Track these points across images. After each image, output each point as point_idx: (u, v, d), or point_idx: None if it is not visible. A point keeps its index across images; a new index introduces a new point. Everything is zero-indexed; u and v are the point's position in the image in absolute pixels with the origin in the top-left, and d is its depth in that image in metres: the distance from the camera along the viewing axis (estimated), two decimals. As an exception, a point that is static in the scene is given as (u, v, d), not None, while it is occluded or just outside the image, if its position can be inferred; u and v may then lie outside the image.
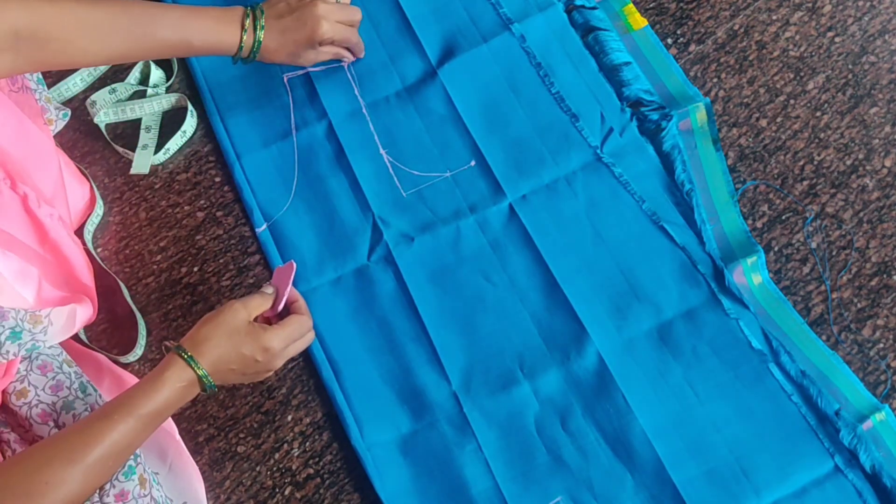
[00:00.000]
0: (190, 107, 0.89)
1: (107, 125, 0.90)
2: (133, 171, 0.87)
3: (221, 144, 0.88)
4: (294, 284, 0.72)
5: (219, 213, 0.87)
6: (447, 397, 0.76)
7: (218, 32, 0.75)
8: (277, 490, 0.76)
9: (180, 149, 0.89)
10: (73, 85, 0.92)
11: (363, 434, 0.76)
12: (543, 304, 0.78)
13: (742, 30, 0.89)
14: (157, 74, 0.91)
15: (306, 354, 0.79)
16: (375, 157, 0.85)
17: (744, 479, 0.71)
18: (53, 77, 0.93)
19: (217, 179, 0.88)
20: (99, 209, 0.86)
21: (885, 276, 0.79)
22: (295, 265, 0.70)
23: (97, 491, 0.64)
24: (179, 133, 0.88)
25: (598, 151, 0.83)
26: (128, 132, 0.90)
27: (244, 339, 0.66)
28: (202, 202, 0.87)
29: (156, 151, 0.88)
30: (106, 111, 0.89)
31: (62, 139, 0.90)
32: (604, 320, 0.77)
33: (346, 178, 0.85)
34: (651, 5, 0.91)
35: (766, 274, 0.79)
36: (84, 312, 0.74)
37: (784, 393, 0.73)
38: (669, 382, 0.75)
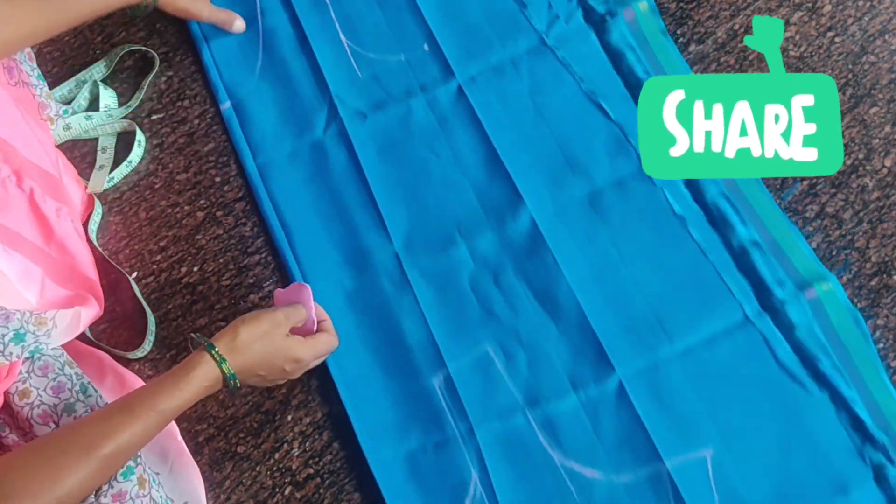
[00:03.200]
0: (138, 135, 0.88)
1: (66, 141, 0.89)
2: (89, 190, 0.86)
3: (191, 29, 0.94)
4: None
5: (219, 213, 0.87)
6: (389, 257, 0.82)
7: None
8: (277, 490, 0.76)
9: (126, 177, 0.88)
10: (69, 91, 0.92)
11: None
12: (484, 175, 0.84)
13: (742, 30, 0.89)
14: (106, 94, 0.90)
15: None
16: (335, 42, 0.92)
17: (659, 329, 0.77)
18: (53, 78, 0.93)
19: (217, 179, 0.88)
20: (99, 208, 0.86)
21: (885, 276, 0.79)
22: (309, 287, 0.72)
23: (94, 492, 0.64)
24: (125, 163, 0.88)
25: (544, 36, 0.89)
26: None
27: (280, 350, 0.68)
28: (202, 202, 0.87)
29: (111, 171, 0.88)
30: (65, 123, 0.88)
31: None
32: (539, 189, 0.83)
33: (308, 61, 0.91)
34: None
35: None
36: (89, 313, 0.74)
37: (701, 252, 0.79)
38: (596, 244, 0.81)
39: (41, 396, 0.69)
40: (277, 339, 0.68)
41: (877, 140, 0.84)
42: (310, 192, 0.86)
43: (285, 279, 0.83)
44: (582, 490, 0.73)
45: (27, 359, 0.71)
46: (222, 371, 0.65)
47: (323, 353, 0.71)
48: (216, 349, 0.65)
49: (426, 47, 0.90)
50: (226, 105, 0.90)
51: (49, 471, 0.57)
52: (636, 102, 0.85)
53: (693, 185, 0.82)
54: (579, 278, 0.79)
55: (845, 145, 0.84)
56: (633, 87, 0.86)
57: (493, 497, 0.73)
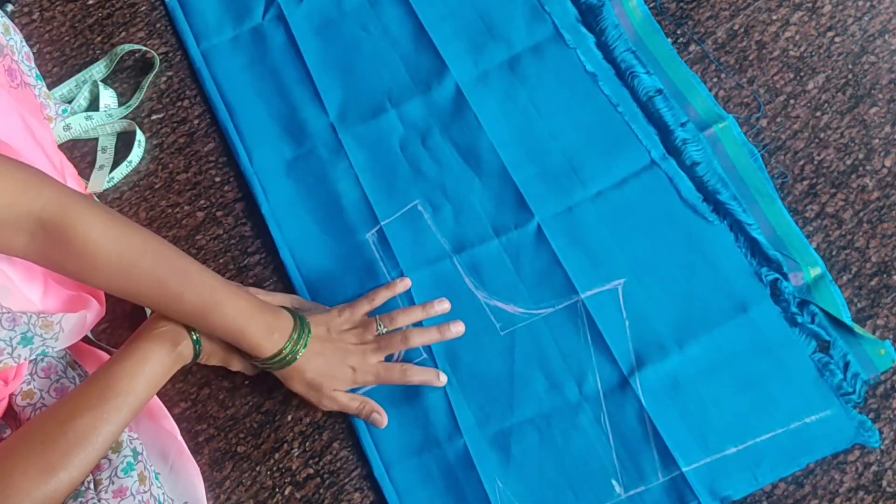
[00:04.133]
0: (138, 135, 0.89)
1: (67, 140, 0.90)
2: (89, 190, 0.86)
3: None
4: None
5: (219, 213, 0.87)
6: (325, 127, 0.88)
7: (248, 327, 0.68)
8: (277, 490, 0.76)
9: (126, 177, 0.89)
10: (69, 91, 0.92)
11: (252, 161, 0.88)
12: (412, 47, 0.91)
13: (742, 30, 0.89)
14: (106, 94, 0.90)
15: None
16: None
17: (573, 175, 0.84)
18: (53, 78, 0.93)
19: (217, 179, 0.88)
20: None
21: (885, 276, 0.79)
22: None
23: (94, 488, 0.64)
24: (125, 163, 0.88)
25: None
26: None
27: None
28: (202, 202, 0.87)
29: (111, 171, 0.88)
30: (64, 124, 0.88)
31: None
32: (463, 57, 0.90)
33: None
34: (651, 5, 0.91)
35: (646, 8, 0.90)
36: (94, 315, 0.74)
37: (611, 105, 0.86)
38: (515, 103, 0.87)
39: (44, 398, 0.69)
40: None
41: (877, 140, 0.84)
42: (251, 73, 0.92)
43: (284, 279, 0.84)
44: (505, 325, 0.79)
45: (31, 361, 0.70)
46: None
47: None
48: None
49: None
50: None
51: (42, 464, 0.58)
52: None
53: (603, 45, 0.89)
54: (500, 135, 0.86)
55: (845, 145, 0.84)
56: None
57: None
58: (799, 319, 0.76)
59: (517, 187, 0.83)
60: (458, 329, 0.76)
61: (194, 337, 0.69)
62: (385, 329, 0.75)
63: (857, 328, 0.76)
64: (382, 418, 0.75)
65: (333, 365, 0.73)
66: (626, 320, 0.78)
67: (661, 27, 0.89)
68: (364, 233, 0.84)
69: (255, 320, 0.68)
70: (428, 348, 0.79)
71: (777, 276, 0.78)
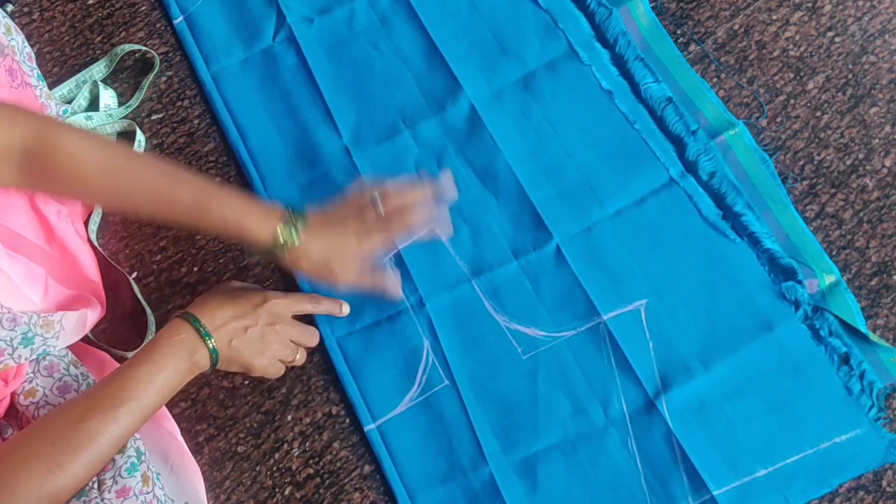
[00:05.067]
0: (138, 135, 0.89)
1: None
2: None
3: None
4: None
5: (219, 213, 0.87)
6: (339, 149, 0.87)
7: (247, 218, 0.68)
8: (277, 490, 0.76)
9: None
10: (69, 91, 0.92)
11: (266, 185, 0.86)
12: (424, 66, 0.90)
13: (742, 30, 0.89)
14: (106, 94, 0.90)
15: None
16: None
17: (591, 194, 0.83)
18: (53, 78, 0.93)
19: (217, 179, 0.88)
20: (98, 208, 0.86)
21: (885, 276, 0.79)
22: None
23: (98, 487, 0.64)
24: None
25: None
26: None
27: (251, 288, 0.74)
28: (202, 202, 0.87)
29: None
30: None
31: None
32: (476, 75, 0.89)
33: None
34: (651, 5, 0.91)
35: (653, 14, 0.90)
36: (94, 314, 0.74)
37: (627, 122, 0.85)
38: (530, 121, 0.86)
39: (47, 396, 0.69)
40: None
41: (877, 140, 0.84)
42: (262, 95, 0.90)
43: (284, 278, 0.83)
44: (527, 348, 0.78)
45: (33, 360, 0.70)
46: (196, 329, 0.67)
47: (298, 306, 0.75)
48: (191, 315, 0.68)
49: None
50: (178, 20, 0.95)
51: (45, 463, 0.58)
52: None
53: (617, 59, 0.88)
54: (516, 154, 0.85)
55: (845, 145, 0.84)
56: None
57: (444, 362, 0.78)
58: (822, 333, 0.75)
59: (535, 208, 0.82)
60: (452, 192, 0.78)
61: (210, 346, 0.68)
62: (383, 209, 0.73)
63: (872, 336, 0.75)
64: (397, 292, 0.78)
65: (336, 240, 0.72)
66: (650, 341, 0.77)
67: (667, 32, 0.89)
68: (381, 258, 0.82)
69: (252, 210, 0.68)
70: (449, 373, 0.78)
71: (797, 287, 0.76)
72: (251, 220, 0.67)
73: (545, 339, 0.78)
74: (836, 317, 0.76)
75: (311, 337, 0.77)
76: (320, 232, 0.71)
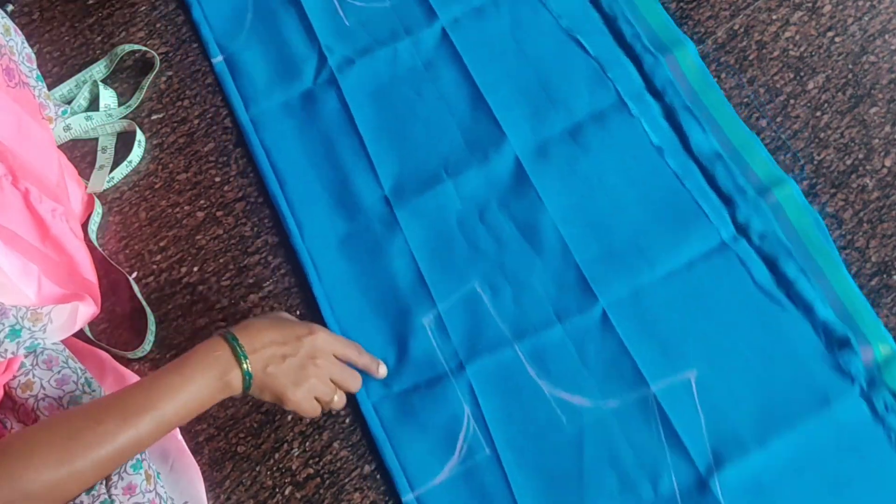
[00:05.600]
0: (139, 135, 0.88)
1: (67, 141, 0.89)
2: (89, 190, 0.86)
3: None
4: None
5: (219, 213, 0.87)
6: (379, 200, 0.84)
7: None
8: (277, 490, 0.76)
9: (126, 177, 0.88)
10: (69, 91, 0.92)
11: (303, 236, 0.83)
12: (468, 114, 0.86)
13: (742, 30, 0.89)
14: (106, 94, 0.90)
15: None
16: None
17: (639, 255, 0.79)
18: (53, 78, 0.93)
19: (217, 179, 0.88)
20: (98, 208, 0.86)
21: (885, 276, 0.79)
22: None
23: (105, 483, 0.63)
24: (125, 163, 0.87)
25: None
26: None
27: (292, 322, 0.70)
28: (202, 202, 0.87)
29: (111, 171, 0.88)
30: (65, 124, 0.88)
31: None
32: (521, 124, 0.85)
33: (296, 12, 0.93)
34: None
35: (701, 62, 0.87)
36: (86, 310, 0.74)
37: (678, 180, 0.81)
38: (577, 175, 0.83)
39: (45, 389, 0.69)
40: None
41: (877, 140, 0.84)
42: (302, 140, 0.87)
43: (308, 294, 0.83)
44: (572, 418, 0.74)
45: (30, 353, 0.70)
46: (233, 348, 0.64)
47: (344, 352, 0.71)
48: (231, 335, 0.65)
49: None
50: (217, 59, 0.92)
51: (62, 450, 0.58)
52: (613, 37, 0.89)
53: (667, 110, 0.85)
54: (561, 211, 0.81)
55: (845, 145, 0.84)
56: (610, 21, 0.89)
57: (486, 430, 0.75)
58: (878, 409, 0.72)
59: (580, 269, 0.79)
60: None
61: (245, 367, 0.64)
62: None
63: None
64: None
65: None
66: (702, 415, 0.73)
67: (713, 79, 0.86)
68: (421, 317, 0.79)
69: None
70: (490, 441, 0.74)
71: (857, 365, 0.73)
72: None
73: (591, 409, 0.74)
74: (893, 392, 0.73)
75: (353, 380, 0.72)
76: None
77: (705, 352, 0.75)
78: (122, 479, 0.64)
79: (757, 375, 0.74)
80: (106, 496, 0.63)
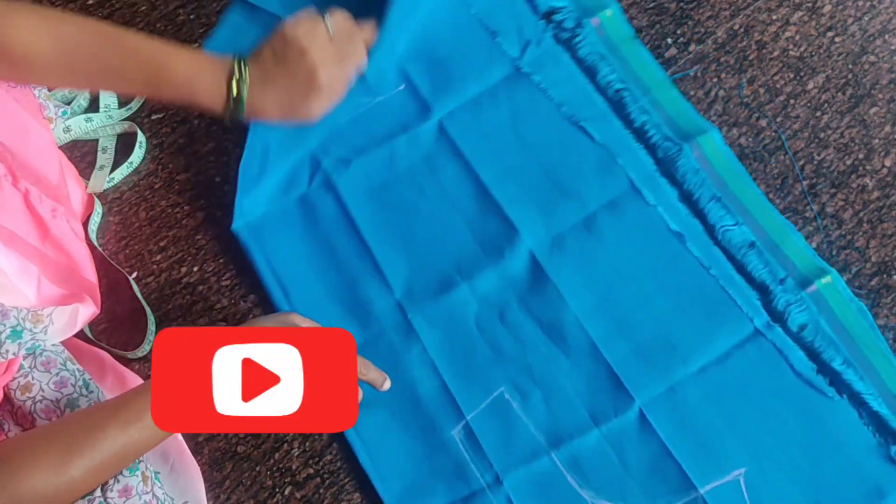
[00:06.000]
0: (140, 137, 0.88)
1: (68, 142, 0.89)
2: (89, 190, 0.86)
3: None
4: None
5: (219, 213, 0.87)
6: (391, 306, 0.80)
7: (197, 82, 0.66)
8: (277, 490, 0.76)
9: (126, 178, 0.88)
10: (69, 92, 0.91)
11: None
12: (476, 210, 0.82)
13: (742, 30, 0.89)
14: (106, 95, 0.90)
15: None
16: None
17: (671, 351, 0.75)
18: (53, 77, 0.93)
19: (217, 179, 0.88)
20: (98, 208, 0.86)
21: (885, 276, 0.79)
22: None
23: (101, 486, 0.63)
24: (126, 164, 0.87)
25: (518, 63, 0.87)
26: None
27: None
28: (202, 202, 0.87)
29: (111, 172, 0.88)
30: (65, 126, 0.88)
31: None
32: (533, 219, 0.81)
33: None
34: (651, 5, 0.91)
35: (726, 147, 0.83)
36: (86, 311, 0.74)
37: (702, 268, 0.78)
38: (596, 268, 0.79)
39: (43, 391, 0.69)
40: None
41: (877, 140, 0.84)
42: (303, 247, 0.83)
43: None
44: None
45: (29, 354, 0.71)
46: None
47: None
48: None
49: (402, 87, 0.87)
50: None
51: (58, 455, 0.58)
52: (618, 117, 0.84)
53: (686, 196, 0.81)
54: (584, 307, 0.77)
55: (845, 145, 0.84)
56: (613, 101, 0.85)
57: None
58: None
59: (611, 367, 0.75)
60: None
61: None
62: (333, 28, 0.69)
63: None
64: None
65: (290, 80, 0.68)
66: None
67: (746, 169, 0.83)
68: (449, 429, 0.75)
69: (200, 75, 0.66)
70: None
71: None
72: (201, 86, 0.66)
73: None
74: None
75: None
76: (268, 77, 0.68)
77: (751, 448, 0.72)
78: (119, 481, 0.64)
79: (806, 471, 0.71)
80: (101, 499, 0.63)
